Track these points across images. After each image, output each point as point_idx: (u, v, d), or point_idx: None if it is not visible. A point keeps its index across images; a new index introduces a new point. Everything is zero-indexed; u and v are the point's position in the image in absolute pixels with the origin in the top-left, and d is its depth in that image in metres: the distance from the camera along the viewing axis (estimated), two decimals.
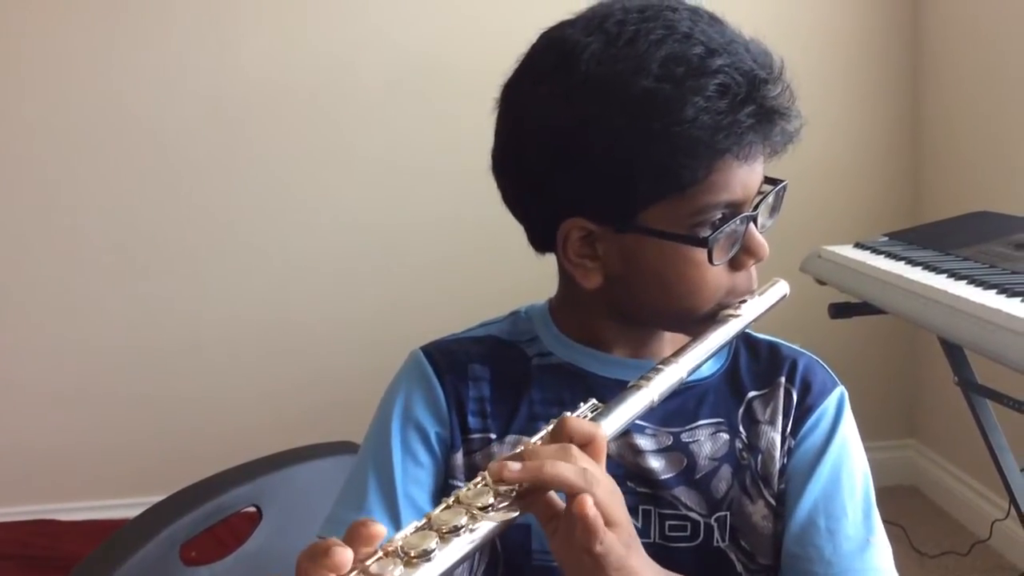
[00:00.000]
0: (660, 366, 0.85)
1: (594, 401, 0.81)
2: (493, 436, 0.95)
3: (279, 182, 2.94)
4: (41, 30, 2.82)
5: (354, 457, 1.26)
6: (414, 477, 0.95)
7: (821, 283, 2.24)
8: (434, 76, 2.92)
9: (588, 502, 0.72)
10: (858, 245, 2.23)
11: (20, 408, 2.96)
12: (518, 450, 0.76)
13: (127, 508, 2.52)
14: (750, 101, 0.84)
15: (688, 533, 0.93)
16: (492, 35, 2.61)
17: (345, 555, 0.64)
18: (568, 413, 0.78)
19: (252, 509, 1.20)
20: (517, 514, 0.71)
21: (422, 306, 2.89)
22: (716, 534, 0.93)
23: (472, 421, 0.96)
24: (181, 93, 2.89)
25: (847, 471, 0.94)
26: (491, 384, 0.97)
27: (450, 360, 0.99)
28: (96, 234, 2.92)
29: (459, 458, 0.95)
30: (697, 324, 0.90)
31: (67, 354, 2.96)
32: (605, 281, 0.91)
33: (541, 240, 0.95)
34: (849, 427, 0.97)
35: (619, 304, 0.93)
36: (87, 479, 2.97)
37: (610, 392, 0.86)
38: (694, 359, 0.87)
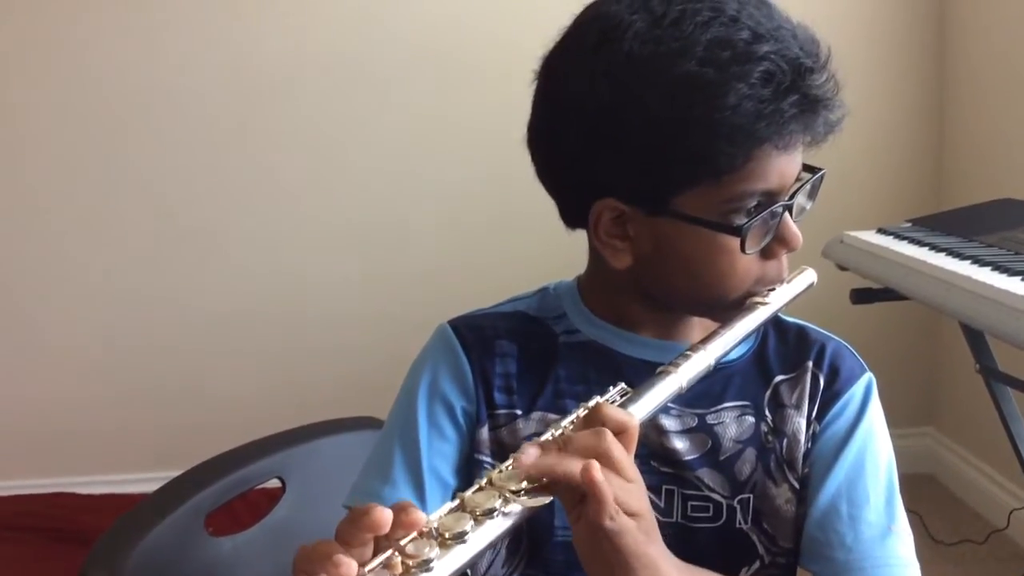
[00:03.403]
0: (689, 352, 0.84)
1: (623, 385, 0.81)
2: (519, 412, 0.96)
3: (300, 155, 2.95)
4: (62, 10, 2.82)
5: (377, 432, 1.27)
6: (439, 451, 0.95)
7: (843, 269, 2.23)
8: (464, 44, 2.91)
9: (595, 467, 0.71)
10: (881, 231, 2.21)
11: (40, 383, 2.98)
12: (552, 433, 0.75)
13: (145, 483, 2.55)
14: (794, 90, 0.82)
15: (710, 514, 0.93)
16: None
17: (385, 514, 0.63)
18: (600, 398, 0.78)
19: (274, 483, 1.21)
20: (550, 499, 0.71)
21: (446, 282, 2.88)
22: (738, 516, 0.93)
23: (498, 396, 0.96)
24: (199, 77, 2.89)
25: (871, 458, 0.94)
26: (517, 360, 0.97)
27: (477, 335, 0.99)
28: (121, 213, 2.94)
29: (484, 433, 0.95)
30: (725, 311, 0.90)
31: (87, 330, 2.98)
32: (635, 262, 0.90)
33: (572, 216, 0.94)
34: (876, 414, 0.96)
35: (647, 286, 0.93)
36: (106, 454, 2.99)
37: (636, 372, 0.85)
38: (722, 346, 0.86)
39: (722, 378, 0.95)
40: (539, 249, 2.38)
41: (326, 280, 3.00)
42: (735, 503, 0.93)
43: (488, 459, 0.95)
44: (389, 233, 2.99)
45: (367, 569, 0.61)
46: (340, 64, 2.90)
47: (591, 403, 0.77)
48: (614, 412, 0.75)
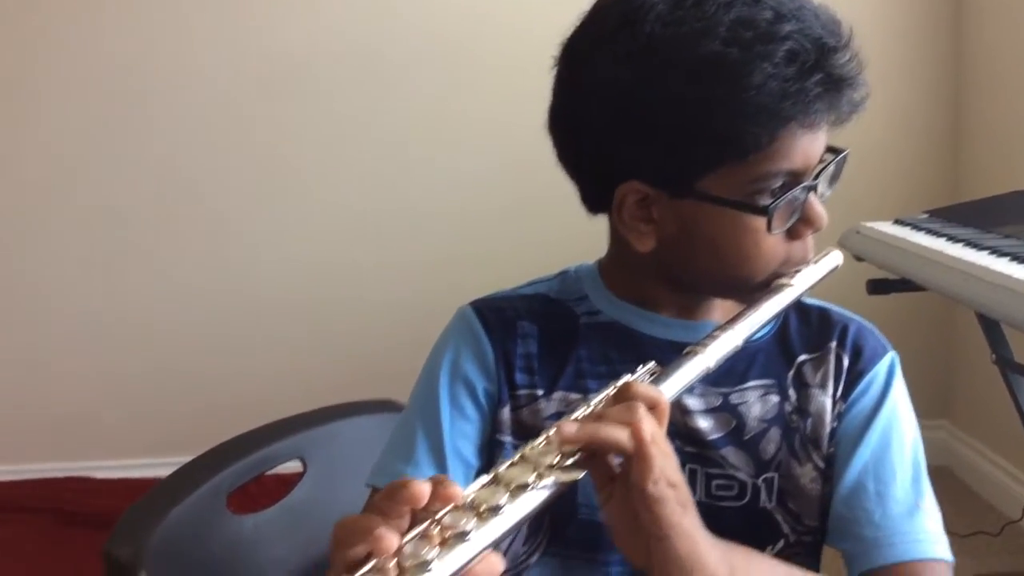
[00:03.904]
0: (716, 332, 0.84)
1: (653, 364, 0.81)
2: (540, 392, 0.96)
3: (314, 144, 2.96)
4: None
5: (394, 415, 1.27)
6: (462, 431, 0.95)
7: (859, 259, 2.22)
8: (477, 33, 2.92)
9: (644, 427, 0.71)
10: (898, 222, 2.21)
11: (55, 367, 3.00)
12: (583, 411, 0.75)
13: (160, 468, 2.56)
14: (818, 69, 0.82)
15: (735, 493, 0.93)
16: None
17: (424, 487, 0.64)
18: (629, 376, 0.78)
19: (287, 467, 1.21)
20: (584, 473, 0.71)
21: (459, 269, 2.88)
22: (763, 495, 0.93)
23: (519, 377, 0.96)
24: (212, 66, 2.91)
25: (897, 436, 0.94)
26: (539, 341, 0.98)
27: (499, 316, 0.99)
28: (136, 200, 2.95)
29: (506, 413, 0.96)
30: (750, 292, 0.90)
31: (103, 316, 2.99)
32: (659, 245, 0.90)
33: (594, 201, 0.94)
34: (900, 392, 0.97)
35: (671, 269, 0.93)
36: (121, 439, 3.01)
37: (658, 352, 0.85)
38: (749, 327, 0.86)
39: (745, 357, 0.95)
40: (551, 236, 2.39)
41: (340, 267, 3.01)
42: (759, 482, 0.93)
43: (509, 440, 0.95)
44: (402, 221, 3.00)
45: (404, 540, 0.61)
46: (354, 53, 2.91)
47: (620, 381, 0.77)
48: (645, 389, 0.75)
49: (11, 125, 2.91)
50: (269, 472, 1.18)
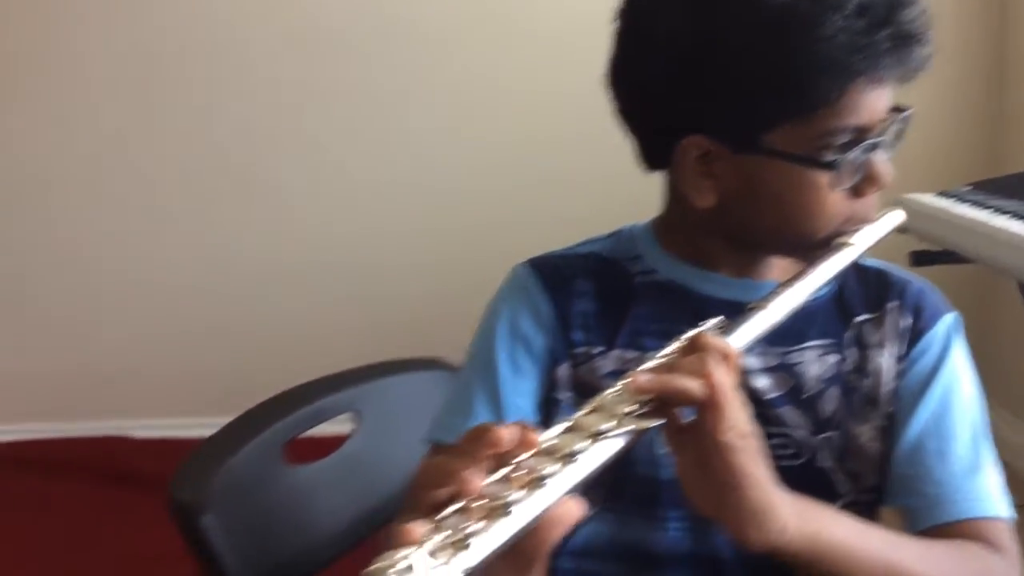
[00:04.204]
0: (778, 290, 0.84)
1: (721, 318, 0.80)
2: (597, 350, 0.96)
3: (368, 101, 2.99)
4: None
5: (444, 374, 1.29)
6: (519, 388, 0.96)
7: (902, 231, 2.21)
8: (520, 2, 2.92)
9: (719, 378, 0.71)
10: (941, 194, 2.19)
11: (98, 325, 3.04)
12: (654, 363, 0.75)
13: (202, 428, 2.61)
14: (888, 23, 0.82)
15: (792, 452, 0.93)
16: None
17: (507, 431, 0.63)
18: (698, 329, 0.77)
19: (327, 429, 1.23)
20: (662, 421, 0.71)
21: (510, 229, 2.84)
22: (821, 454, 0.93)
23: (576, 335, 0.97)
24: (262, 35, 2.93)
25: (957, 395, 0.94)
26: (595, 299, 0.98)
27: (555, 274, 0.99)
28: (182, 155, 2.99)
29: (563, 371, 0.96)
30: (811, 250, 0.89)
31: (151, 275, 3.04)
32: (719, 201, 0.90)
33: (653, 157, 0.94)
34: (960, 352, 0.96)
35: (731, 225, 0.93)
36: (165, 397, 3.05)
37: (714, 311, 0.85)
38: (811, 285, 0.86)
39: (803, 317, 0.93)
40: (595, 198, 2.39)
41: (387, 229, 3.03)
42: (818, 441, 0.93)
43: (568, 397, 0.96)
44: (451, 183, 3.02)
45: (486, 483, 0.61)
46: (398, 15, 2.92)
47: (690, 333, 0.76)
48: (716, 340, 0.75)
49: (57, 93, 2.94)
50: (321, 426, 1.20)
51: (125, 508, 2.61)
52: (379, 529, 1.17)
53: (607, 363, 0.96)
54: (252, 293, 3.05)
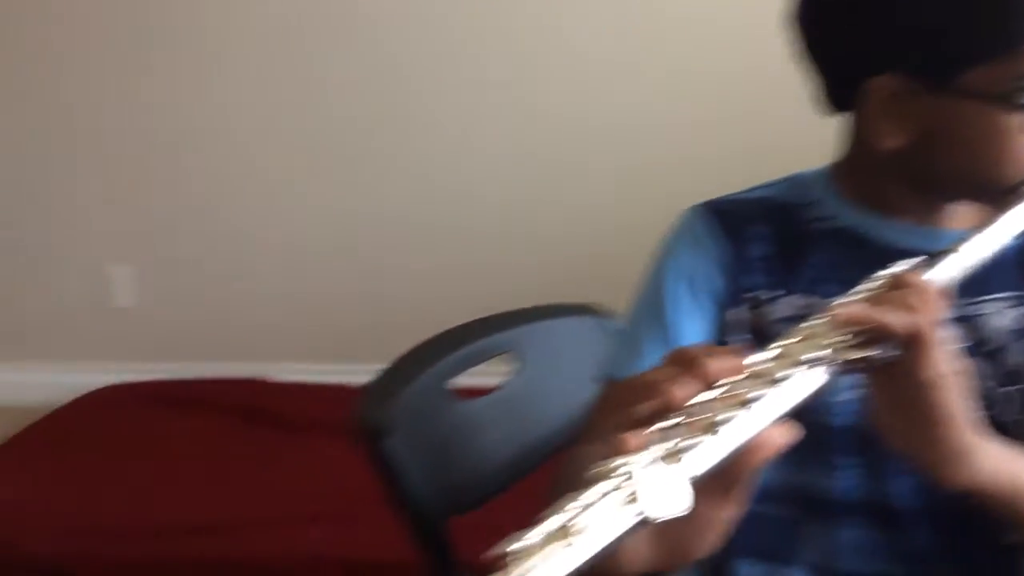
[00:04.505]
0: (968, 237, 0.81)
1: (921, 258, 0.78)
2: (771, 295, 0.95)
3: (471, 68, 3.02)
4: None
5: (602, 320, 1.31)
6: (692, 330, 0.96)
7: None
8: None
9: (926, 313, 0.69)
10: None
11: (247, 278, 3.16)
12: (855, 298, 0.74)
13: (340, 374, 2.70)
14: None
15: (978, 404, 0.91)
16: None
17: (712, 353, 0.63)
18: (897, 267, 0.76)
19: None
20: (874, 352, 0.69)
21: (669, 174, 2.81)
22: (1005, 408, 0.91)
23: (750, 279, 0.96)
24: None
25: None
26: (771, 243, 0.97)
27: (729, 218, 0.99)
28: (330, 113, 3.07)
29: (736, 315, 0.96)
30: (997, 196, 0.87)
31: (290, 230, 3.14)
32: (907, 144, 0.88)
33: (837, 98, 0.93)
34: None
35: (916, 169, 0.91)
36: (305, 345, 3.15)
37: (896, 258, 0.84)
38: (1005, 232, 0.83)
39: (985, 269, 0.92)
40: (764, 142, 2.36)
41: (546, 168, 3.06)
42: (1001, 395, 0.91)
43: (740, 341, 0.95)
44: (612, 125, 3.02)
45: (691, 402, 0.60)
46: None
47: (891, 270, 0.75)
48: (920, 278, 0.74)
49: (199, 54, 3.06)
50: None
51: (264, 441, 2.72)
52: (539, 465, 1.20)
53: (782, 308, 0.95)
54: (400, 243, 3.12)
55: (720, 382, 0.63)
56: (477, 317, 1.32)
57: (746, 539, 0.85)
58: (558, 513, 0.53)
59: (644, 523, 0.53)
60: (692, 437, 0.58)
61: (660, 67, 2.95)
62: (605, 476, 0.55)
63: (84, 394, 3.00)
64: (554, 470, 0.90)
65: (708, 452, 0.58)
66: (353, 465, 2.48)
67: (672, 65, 2.94)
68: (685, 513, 0.54)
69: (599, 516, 0.52)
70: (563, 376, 1.24)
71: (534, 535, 0.51)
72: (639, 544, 0.63)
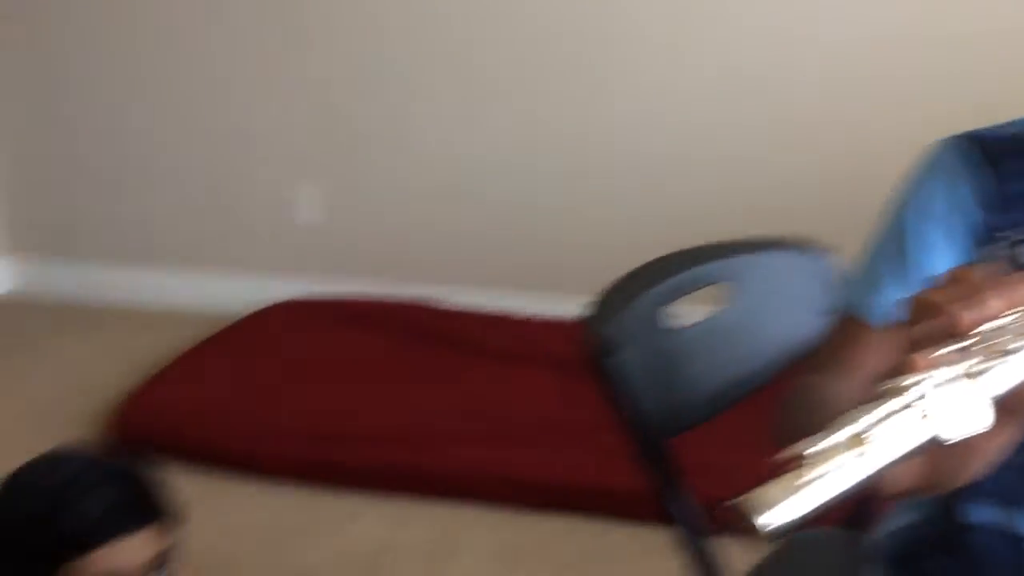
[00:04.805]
0: None
1: None
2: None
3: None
4: None
5: (820, 256, 1.28)
6: (934, 268, 0.92)
7: None
8: None
9: None
10: None
11: (430, 202, 3.23)
12: None
13: (504, 299, 2.73)
14: None
15: None
16: None
17: (1005, 275, 0.61)
18: None
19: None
20: None
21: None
22: None
23: (1003, 217, 0.91)
24: None
25: None
26: None
27: (990, 151, 0.94)
28: (510, 38, 3.09)
29: (994, 252, 0.91)
30: None
31: (449, 162, 3.19)
32: None
33: None
34: None
35: None
36: (483, 268, 3.20)
37: None
38: None
39: None
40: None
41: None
42: None
43: None
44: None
45: (985, 328, 0.58)
46: None
47: None
48: None
49: None
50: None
51: (430, 357, 2.81)
52: (745, 397, 1.19)
53: None
54: (576, 179, 3.12)
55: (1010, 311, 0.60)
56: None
57: (983, 481, 0.82)
58: (851, 424, 0.52)
59: (935, 441, 0.53)
60: (988, 360, 0.56)
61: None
62: (896, 393, 0.54)
63: (267, 306, 3.13)
64: (782, 398, 0.89)
65: (1006, 374, 0.56)
66: (535, 390, 2.55)
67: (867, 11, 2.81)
68: (985, 430, 0.53)
69: (893, 430, 0.52)
70: (778, 309, 1.22)
71: (829, 441, 0.51)
72: (908, 464, 0.61)
